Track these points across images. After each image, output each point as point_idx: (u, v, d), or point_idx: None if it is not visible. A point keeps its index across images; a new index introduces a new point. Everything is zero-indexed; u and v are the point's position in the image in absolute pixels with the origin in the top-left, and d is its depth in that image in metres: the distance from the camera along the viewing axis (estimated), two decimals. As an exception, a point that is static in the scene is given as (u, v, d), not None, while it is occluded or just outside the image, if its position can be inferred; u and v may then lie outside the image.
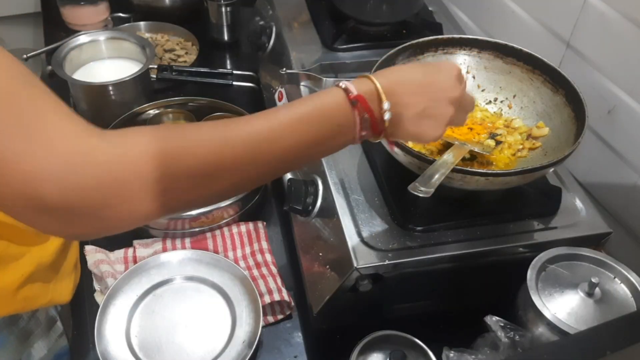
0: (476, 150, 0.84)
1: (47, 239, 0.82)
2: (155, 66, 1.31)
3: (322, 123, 0.57)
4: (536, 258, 0.77)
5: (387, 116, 0.59)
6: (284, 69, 1.04)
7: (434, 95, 0.62)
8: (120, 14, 1.57)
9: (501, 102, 0.95)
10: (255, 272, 0.97)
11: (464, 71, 0.96)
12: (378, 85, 0.59)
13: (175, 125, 0.50)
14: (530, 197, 0.86)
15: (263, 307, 0.91)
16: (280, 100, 1.11)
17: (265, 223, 1.07)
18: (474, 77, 0.96)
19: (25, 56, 1.36)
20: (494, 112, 0.95)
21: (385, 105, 0.59)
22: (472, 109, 0.71)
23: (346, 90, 0.58)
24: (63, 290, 0.86)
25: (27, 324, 0.81)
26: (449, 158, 0.74)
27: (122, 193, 0.45)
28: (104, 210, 0.45)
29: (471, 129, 0.91)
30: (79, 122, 0.45)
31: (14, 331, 0.80)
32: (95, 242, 1.00)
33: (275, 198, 1.14)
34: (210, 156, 0.50)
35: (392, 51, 0.90)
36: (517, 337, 0.72)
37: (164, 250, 1.00)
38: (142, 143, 0.47)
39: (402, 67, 0.65)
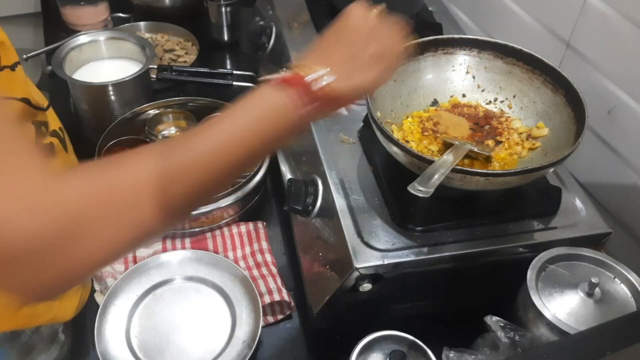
0: (476, 150, 0.84)
1: None
2: (155, 66, 1.31)
3: (267, 125, 0.56)
4: (536, 258, 0.77)
5: (326, 78, 0.58)
6: (284, 69, 1.04)
7: (352, 38, 0.62)
8: (120, 14, 1.57)
9: (501, 102, 0.95)
10: (255, 272, 0.97)
11: (463, 71, 0.96)
12: (305, 57, 0.59)
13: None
14: (530, 197, 0.86)
15: (263, 307, 0.91)
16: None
17: (265, 223, 1.07)
18: (473, 77, 0.96)
19: (25, 56, 1.36)
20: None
21: (321, 71, 0.58)
22: (394, 36, 0.65)
23: (276, 79, 0.58)
24: (67, 308, 0.85)
25: (30, 338, 0.80)
26: (449, 158, 0.74)
27: (75, 231, 0.44)
28: (65, 248, 0.44)
29: (472, 129, 0.91)
30: (37, 168, 0.44)
31: (16, 345, 0.78)
32: (95, 242, 0.99)
33: (275, 198, 1.14)
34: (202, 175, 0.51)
35: (392, 51, 0.89)
36: (517, 337, 0.72)
37: (164, 250, 1.00)
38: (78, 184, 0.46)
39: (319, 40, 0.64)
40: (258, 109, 0.56)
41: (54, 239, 0.42)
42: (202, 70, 1.36)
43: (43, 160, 0.45)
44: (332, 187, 0.86)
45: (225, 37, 1.51)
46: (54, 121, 0.73)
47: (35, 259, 0.42)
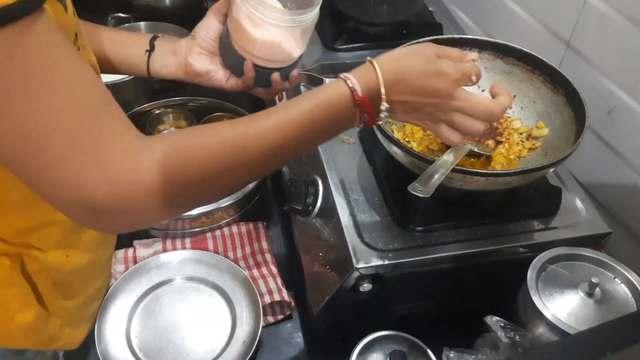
0: (476, 150, 0.84)
1: (80, 294, 0.79)
2: (156, 66, 1.31)
3: (327, 120, 0.62)
4: (536, 258, 0.77)
5: (383, 115, 0.63)
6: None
7: (428, 99, 0.63)
8: (120, 14, 1.56)
9: (501, 102, 0.95)
10: (256, 272, 0.98)
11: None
12: (381, 83, 0.61)
13: (194, 129, 0.60)
14: (530, 197, 0.86)
15: (263, 307, 0.91)
16: (280, 100, 1.11)
17: (265, 223, 1.07)
18: (474, 77, 0.96)
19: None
20: (494, 112, 0.95)
21: (383, 106, 0.62)
22: (484, 117, 0.64)
23: (352, 90, 0.61)
24: (76, 337, 0.82)
25: (34, 357, 0.77)
26: (449, 158, 0.74)
27: (140, 203, 0.52)
28: (136, 213, 0.53)
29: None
30: (130, 142, 0.51)
31: None
32: (95, 242, 0.99)
33: (275, 198, 1.15)
34: (227, 157, 0.56)
35: (392, 51, 0.89)
36: (517, 337, 0.72)
37: (164, 250, 1.00)
38: (159, 156, 0.52)
39: (403, 60, 0.63)
40: (330, 111, 0.61)
41: (131, 205, 0.51)
42: (202, 70, 1.35)
43: (134, 135, 0.52)
44: (332, 187, 0.86)
45: (226, 37, 1.50)
46: None
47: (114, 216, 0.52)
